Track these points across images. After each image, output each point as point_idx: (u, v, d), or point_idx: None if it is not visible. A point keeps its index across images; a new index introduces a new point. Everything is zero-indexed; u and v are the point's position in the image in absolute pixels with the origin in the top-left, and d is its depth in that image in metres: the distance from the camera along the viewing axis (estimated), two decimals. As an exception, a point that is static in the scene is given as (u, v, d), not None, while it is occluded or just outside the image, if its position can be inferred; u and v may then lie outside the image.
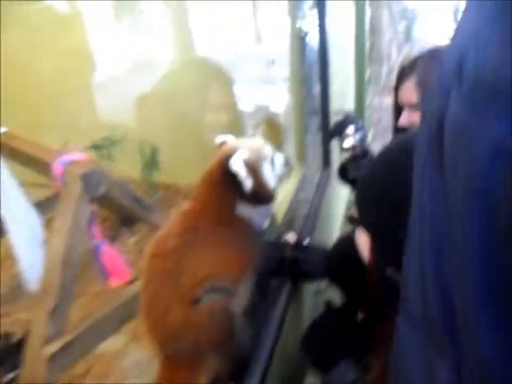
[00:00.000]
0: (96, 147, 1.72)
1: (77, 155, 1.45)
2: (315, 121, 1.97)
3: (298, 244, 1.10)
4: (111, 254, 1.60)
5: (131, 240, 2.52)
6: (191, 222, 0.95)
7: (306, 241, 1.12)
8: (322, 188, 1.64)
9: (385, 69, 2.24)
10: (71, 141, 1.74)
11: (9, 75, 1.98)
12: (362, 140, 1.27)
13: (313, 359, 0.94)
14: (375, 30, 2.14)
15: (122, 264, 1.65)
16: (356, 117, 1.33)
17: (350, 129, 1.27)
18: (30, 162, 1.55)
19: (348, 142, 1.27)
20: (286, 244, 1.11)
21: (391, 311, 0.67)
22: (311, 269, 1.07)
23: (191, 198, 1.00)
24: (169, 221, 1.00)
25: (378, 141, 2.33)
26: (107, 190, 1.39)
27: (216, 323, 0.88)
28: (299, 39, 1.72)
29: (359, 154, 1.27)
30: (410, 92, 1.11)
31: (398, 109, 1.18)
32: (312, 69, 1.93)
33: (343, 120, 1.32)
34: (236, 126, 1.91)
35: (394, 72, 2.68)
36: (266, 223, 1.12)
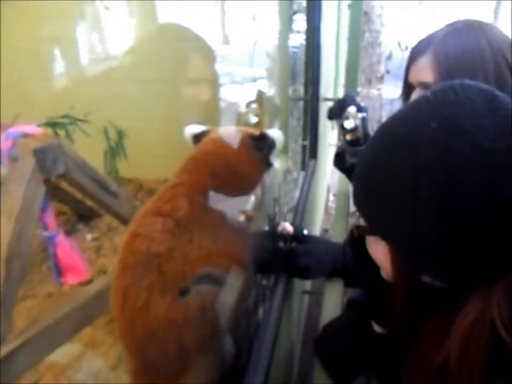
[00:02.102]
0: (52, 124, 1.52)
1: (29, 128, 1.26)
2: (298, 109, 1.87)
3: (297, 234, 0.97)
4: (67, 248, 1.41)
5: (88, 237, 2.31)
6: (185, 199, 0.81)
7: (305, 232, 1.00)
8: (309, 179, 1.53)
9: (373, 59, 2.19)
10: (22, 116, 1.54)
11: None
12: (365, 122, 1.17)
13: (328, 367, 0.81)
14: (367, 16, 2.09)
15: (79, 260, 1.46)
16: (356, 98, 1.23)
17: (352, 109, 1.16)
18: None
19: (350, 123, 1.16)
20: (282, 234, 0.98)
21: (429, 325, 0.55)
22: (312, 262, 0.94)
23: (184, 171, 0.87)
24: (156, 196, 0.85)
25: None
26: (66, 169, 1.20)
27: (207, 319, 0.74)
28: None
29: (361, 138, 1.17)
30: (424, 70, 1.03)
31: (407, 89, 1.10)
32: (297, 60, 1.84)
33: (343, 100, 1.21)
34: (214, 109, 1.77)
35: (382, 63, 2.67)
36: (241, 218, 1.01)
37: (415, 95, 1.07)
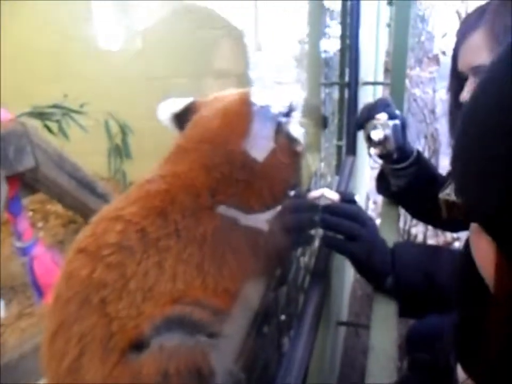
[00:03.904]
0: (39, 114, 1.29)
1: (-4, 112, 1.03)
2: (333, 103, 1.58)
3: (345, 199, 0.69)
4: (46, 262, 1.17)
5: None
6: (162, 199, 0.55)
7: (356, 198, 0.72)
8: (346, 179, 1.23)
9: (423, 35, 1.87)
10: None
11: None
12: (397, 132, 0.89)
13: None
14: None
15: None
16: (392, 104, 0.95)
17: (382, 116, 0.89)
18: None
19: (377, 133, 0.89)
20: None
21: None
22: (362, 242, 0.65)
23: (167, 162, 0.61)
24: (125, 194, 0.60)
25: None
26: (36, 163, 0.96)
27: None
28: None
29: (393, 153, 0.90)
30: (477, 50, 0.77)
31: (457, 81, 0.83)
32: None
33: (374, 104, 0.94)
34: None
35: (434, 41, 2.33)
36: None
37: (470, 86, 0.81)
